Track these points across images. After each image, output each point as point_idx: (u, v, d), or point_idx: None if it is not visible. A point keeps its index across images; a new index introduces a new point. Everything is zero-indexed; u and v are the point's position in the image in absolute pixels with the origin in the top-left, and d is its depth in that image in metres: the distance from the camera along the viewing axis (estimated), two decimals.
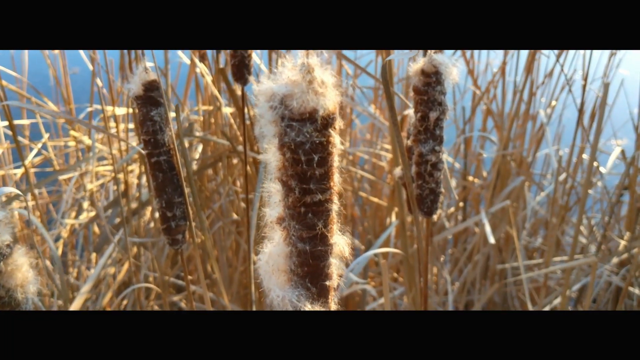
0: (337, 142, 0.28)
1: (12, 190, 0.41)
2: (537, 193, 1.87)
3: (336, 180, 0.29)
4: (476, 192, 1.78)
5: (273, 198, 0.30)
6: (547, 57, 1.62)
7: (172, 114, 1.16)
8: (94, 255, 1.49)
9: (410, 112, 0.70)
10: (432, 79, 0.52)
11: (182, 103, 1.53)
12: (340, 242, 0.31)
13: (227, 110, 1.19)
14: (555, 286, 1.62)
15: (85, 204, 1.45)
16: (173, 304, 1.34)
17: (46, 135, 1.65)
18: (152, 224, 1.18)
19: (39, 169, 1.77)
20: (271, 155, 0.29)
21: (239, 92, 1.03)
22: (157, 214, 1.29)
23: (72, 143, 1.81)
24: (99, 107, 1.76)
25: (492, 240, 1.04)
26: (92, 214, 1.53)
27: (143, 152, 0.52)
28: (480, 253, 1.40)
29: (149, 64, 1.39)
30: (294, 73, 0.27)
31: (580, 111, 1.31)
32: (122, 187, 1.18)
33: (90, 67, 1.67)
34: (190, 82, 1.55)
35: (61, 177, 1.50)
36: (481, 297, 1.35)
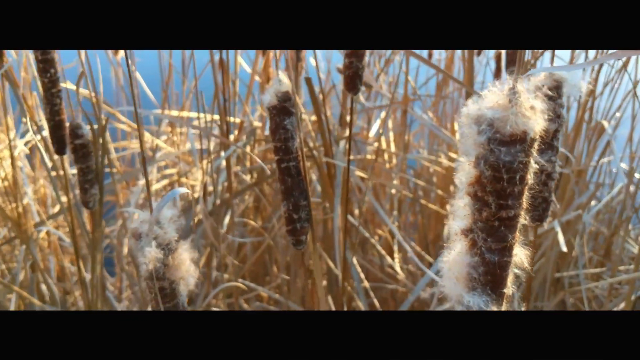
0: (533, 161, 0.30)
1: (186, 191, 0.45)
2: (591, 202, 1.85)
3: (526, 196, 0.31)
4: None
5: (459, 211, 0.33)
6: (610, 66, 1.61)
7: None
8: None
9: None
10: (552, 93, 0.53)
11: (244, 105, 1.57)
12: (519, 253, 0.33)
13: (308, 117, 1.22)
14: (611, 297, 1.61)
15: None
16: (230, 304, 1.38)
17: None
18: (224, 228, 1.22)
19: None
20: (464, 173, 0.32)
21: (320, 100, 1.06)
22: (229, 214, 1.34)
23: (134, 145, 1.87)
24: (160, 111, 1.81)
25: (564, 248, 1.05)
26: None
27: (274, 158, 0.55)
28: (541, 262, 1.40)
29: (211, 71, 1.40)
30: (501, 97, 0.29)
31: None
32: (199, 189, 1.22)
33: (127, 72, 1.72)
34: (252, 86, 1.59)
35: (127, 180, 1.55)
36: (546, 304, 1.35)
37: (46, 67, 0.74)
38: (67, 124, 0.77)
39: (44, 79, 0.74)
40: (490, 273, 0.32)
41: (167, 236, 0.44)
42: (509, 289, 0.34)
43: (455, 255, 0.33)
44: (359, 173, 1.17)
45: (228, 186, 1.11)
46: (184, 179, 1.64)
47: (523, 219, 0.32)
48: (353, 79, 0.63)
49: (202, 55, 1.68)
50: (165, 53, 1.76)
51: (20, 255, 0.99)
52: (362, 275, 1.13)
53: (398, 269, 1.21)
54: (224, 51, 1.11)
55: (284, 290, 1.27)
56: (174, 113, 1.69)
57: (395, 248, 1.26)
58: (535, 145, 0.30)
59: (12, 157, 1.05)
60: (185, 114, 1.46)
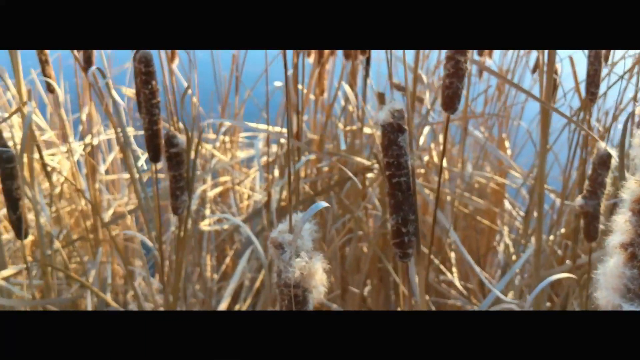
0: None
1: (325, 204, 0.47)
2: None
3: None
4: None
5: (620, 226, 0.35)
6: None
7: None
8: (208, 259, 1.58)
9: (601, 145, 0.73)
10: None
11: (299, 117, 1.61)
12: None
13: (369, 130, 1.26)
14: None
15: (207, 211, 1.54)
16: None
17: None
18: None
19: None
20: (629, 191, 0.34)
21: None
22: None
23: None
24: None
25: None
26: (208, 222, 1.62)
27: (385, 173, 0.58)
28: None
29: (278, 83, 1.46)
30: None
31: None
32: (264, 198, 1.26)
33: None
34: (308, 98, 1.62)
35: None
36: None
37: (148, 79, 0.78)
38: (164, 133, 0.81)
39: (145, 90, 0.78)
40: None
41: (305, 246, 0.47)
42: None
43: (612, 267, 0.36)
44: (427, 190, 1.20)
45: (296, 196, 1.14)
46: (237, 187, 1.68)
47: None
48: (452, 99, 0.65)
49: (251, 64, 1.73)
50: (222, 61, 1.80)
51: (98, 256, 1.03)
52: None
53: (457, 284, 1.23)
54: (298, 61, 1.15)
55: (339, 301, 1.29)
56: (228, 122, 1.73)
57: (453, 262, 1.28)
58: None
59: (89, 162, 1.09)
60: (253, 124, 1.50)
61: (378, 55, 1.56)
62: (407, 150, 0.58)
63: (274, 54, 1.42)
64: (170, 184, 0.83)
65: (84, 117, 1.55)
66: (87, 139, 1.60)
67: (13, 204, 0.76)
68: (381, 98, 1.02)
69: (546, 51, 0.84)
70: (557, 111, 0.83)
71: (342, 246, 1.39)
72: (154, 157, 0.83)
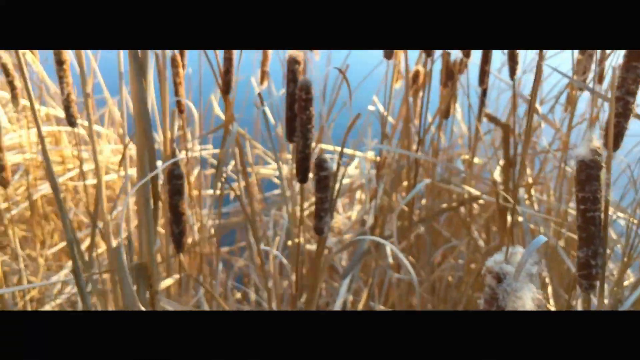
0: None
1: (545, 239, 0.49)
2: None
3: None
4: None
5: None
6: None
7: None
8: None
9: None
10: None
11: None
12: None
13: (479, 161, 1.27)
14: None
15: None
16: None
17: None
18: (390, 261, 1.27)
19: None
20: None
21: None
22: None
23: (264, 171, 1.97)
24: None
25: None
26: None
27: (579, 207, 0.59)
28: None
29: (372, 108, 1.46)
30: None
31: None
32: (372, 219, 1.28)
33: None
34: (397, 125, 1.65)
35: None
36: None
37: (307, 105, 0.82)
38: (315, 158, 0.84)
39: (303, 115, 0.82)
40: None
41: (520, 277, 0.49)
42: None
43: None
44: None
45: (408, 219, 1.16)
46: None
47: None
48: (617, 138, 0.67)
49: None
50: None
51: (219, 266, 1.06)
52: None
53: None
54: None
55: None
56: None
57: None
58: None
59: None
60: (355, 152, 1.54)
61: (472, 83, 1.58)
62: (603, 185, 0.59)
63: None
64: (316, 206, 0.86)
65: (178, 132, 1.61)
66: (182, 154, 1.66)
67: (177, 219, 0.80)
68: (505, 130, 1.04)
69: None
70: None
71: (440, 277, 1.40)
72: (302, 179, 0.86)
